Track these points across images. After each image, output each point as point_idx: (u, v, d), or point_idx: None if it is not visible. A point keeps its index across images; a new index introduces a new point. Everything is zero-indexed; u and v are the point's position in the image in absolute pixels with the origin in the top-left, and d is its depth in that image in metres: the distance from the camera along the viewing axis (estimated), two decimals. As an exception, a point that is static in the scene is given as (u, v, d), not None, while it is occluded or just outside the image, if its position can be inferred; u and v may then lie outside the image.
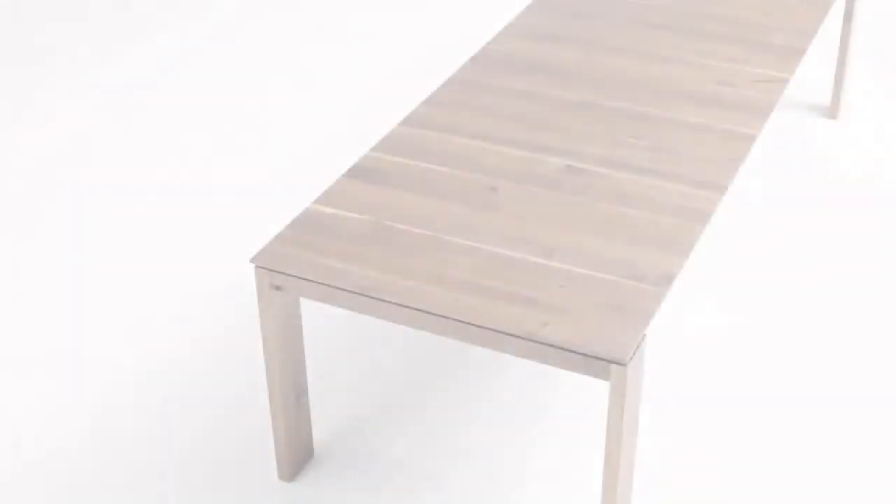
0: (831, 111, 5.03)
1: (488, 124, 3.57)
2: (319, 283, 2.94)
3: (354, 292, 2.91)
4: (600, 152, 3.42)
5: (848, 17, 4.76)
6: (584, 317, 2.79)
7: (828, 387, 3.66)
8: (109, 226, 4.45)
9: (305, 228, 3.11)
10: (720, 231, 4.35)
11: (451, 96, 3.73)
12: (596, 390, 3.66)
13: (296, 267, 2.97)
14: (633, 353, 2.71)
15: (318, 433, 3.51)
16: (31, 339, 3.89)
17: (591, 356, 2.71)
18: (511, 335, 2.77)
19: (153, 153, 4.90)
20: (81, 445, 3.47)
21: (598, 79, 3.81)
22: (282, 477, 3.34)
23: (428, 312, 2.84)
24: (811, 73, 5.41)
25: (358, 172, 3.35)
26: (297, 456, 3.34)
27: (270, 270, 2.99)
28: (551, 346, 2.74)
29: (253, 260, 3.01)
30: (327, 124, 5.09)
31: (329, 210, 3.19)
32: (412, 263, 2.98)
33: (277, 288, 3.02)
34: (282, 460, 3.31)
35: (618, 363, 2.69)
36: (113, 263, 4.25)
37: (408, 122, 3.59)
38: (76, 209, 4.55)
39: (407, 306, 2.86)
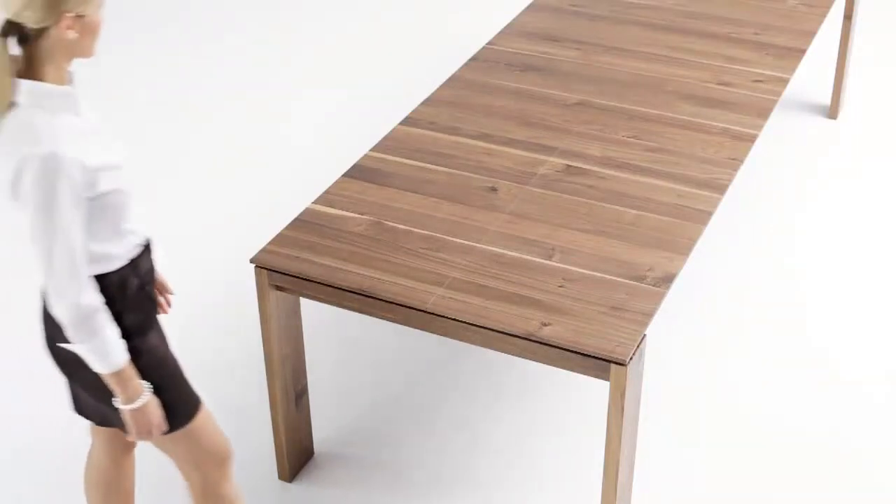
0: (831, 111, 5.03)
1: (488, 124, 3.57)
2: (319, 283, 2.94)
3: (354, 292, 2.91)
4: (600, 152, 3.42)
5: (848, 17, 4.76)
6: (584, 317, 2.79)
7: (828, 386, 3.66)
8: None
9: (305, 228, 3.11)
10: (720, 231, 4.35)
11: (451, 96, 3.73)
12: (596, 390, 3.66)
13: (296, 267, 2.97)
14: (633, 353, 2.71)
15: (318, 433, 3.51)
16: (30, 339, 3.89)
17: (591, 356, 2.71)
18: (511, 335, 2.77)
19: (153, 153, 4.90)
20: (81, 444, 3.47)
21: (597, 79, 3.81)
22: (282, 477, 3.34)
23: (428, 312, 2.84)
24: (811, 73, 5.41)
25: (358, 172, 3.35)
26: (297, 456, 3.34)
27: (270, 270, 2.99)
28: (551, 346, 2.74)
29: (253, 260, 3.01)
30: (327, 124, 5.09)
31: (329, 210, 3.19)
32: (412, 263, 2.98)
33: (277, 288, 3.02)
34: (282, 460, 3.31)
35: (618, 363, 2.69)
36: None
37: (408, 122, 3.59)
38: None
39: (407, 306, 2.86)
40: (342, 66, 5.55)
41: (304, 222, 3.13)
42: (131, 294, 2.43)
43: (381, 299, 2.88)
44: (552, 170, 3.35)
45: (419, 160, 3.40)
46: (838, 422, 3.53)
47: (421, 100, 5.25)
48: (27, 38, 2.22)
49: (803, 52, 3.96)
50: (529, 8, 4.30)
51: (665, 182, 3.29)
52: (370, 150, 3.44)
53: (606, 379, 2.73)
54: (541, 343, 2.74)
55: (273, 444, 3.46)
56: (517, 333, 2.76)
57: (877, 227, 4.36)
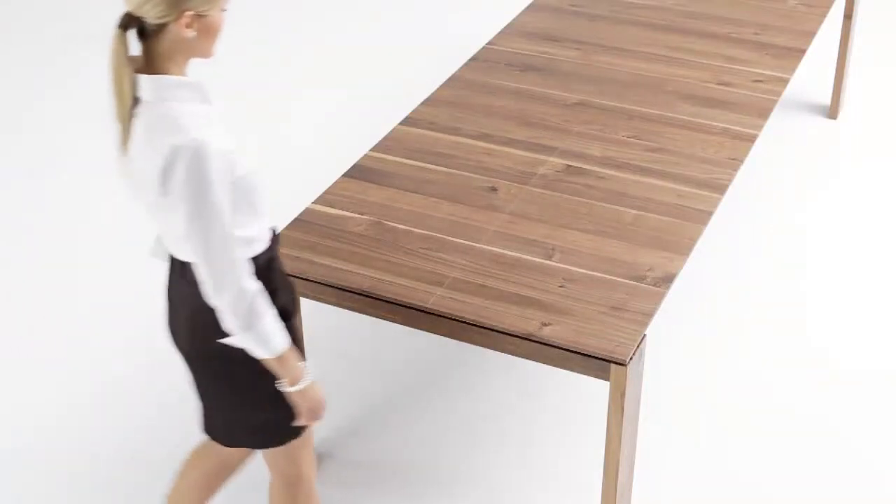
0: (831, 111, 5.03)
1: (488, 124, 3.57)
2: (319, 283, 2.94)
3: (354, 292, 2.91)
4: (600, 152, 3.42)
5: (848, 17, 4.76)
6: (584, 317, 2.79)
7: (828, 386, 3.66)
8: (109, 226, 4.45)
9: (305, 228, 3.11)
10: (720, 231, 4.35)
11: (451, 96, 3.73)
12: (596, 390, 3.66)
13: (296, 267, 2.97)
14: (633, 353, 2.71)
15: (318, 433, 3.51)
16: (30, 341, 3.89)
17: (591, 356, 2.71)
18: (511, 335, 2.77)
19: (153, 153, 4.90)
20: (82, 444, 3.47)
21: (597, 79, 3.81)
22: (282, 477, 3.35)
23: (428, 312, 2.84)
24: (811, 73, 5.41)
25: (358, 172, 3.35)
26: (297, 456, 3.34)
27: (270, 270, 2.99)
28: (551, 346, 2.74)
29: (253, 260, 3.01)
30: (327, 124, 5.09)
31: (329, 210, 3.19)
32: (412, 263, 2.98)
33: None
34: (282, 460, 3.31)
35: (618, 363, 2.69)
36: (113, 263, 4.25)
37: (408, 122, 3.59)
38: (76, 207, 4.55)
39: (407, 306, 2.86)
40: (342, 66, 5.55)
41: (304, 222, 3.13)
42: (276, 275, 2.42)
43: (381, 299, 2.88)
44: (552, 170, 3.35)
45: (419, 160, 3.40)
46: (838, 422, 3.53)
47: (421, 100, 5.25)
48: (146, 33, 2.21)
49: (803, 52, 3.97)
50: (529, 8, 4.30)
51: (665, 182, 3.29)
52: (370, 150, 3.44)
53: (606, 379, 2.73)
54: (541, 343, 2.74)
55: (273, 444, 3.46)
56: (517, 333, 2.76)
57: (877, 227, 4.36)
